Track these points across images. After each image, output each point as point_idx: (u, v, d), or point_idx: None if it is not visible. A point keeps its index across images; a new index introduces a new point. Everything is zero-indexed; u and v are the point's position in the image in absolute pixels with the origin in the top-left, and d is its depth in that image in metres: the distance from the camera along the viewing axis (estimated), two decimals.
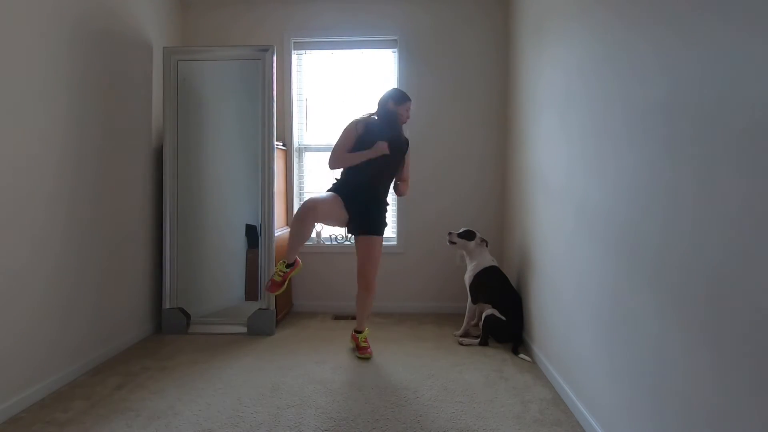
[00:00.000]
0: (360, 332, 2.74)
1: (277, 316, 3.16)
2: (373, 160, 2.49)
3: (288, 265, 2.53)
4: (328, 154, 2.58)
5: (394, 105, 2.56)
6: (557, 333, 2.29)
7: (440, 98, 3.54)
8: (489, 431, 1.88)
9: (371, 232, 2.61)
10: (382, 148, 2.46)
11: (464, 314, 3.05)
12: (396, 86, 3.53)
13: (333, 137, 2.70)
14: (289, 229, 2.55)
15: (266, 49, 3.06)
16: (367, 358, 2.62)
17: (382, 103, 2.60)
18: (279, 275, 2.52)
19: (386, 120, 2.58)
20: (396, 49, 3.55)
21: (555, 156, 2.36)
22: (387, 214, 2.71)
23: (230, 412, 2.02)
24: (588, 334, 1.91)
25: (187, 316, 3.11)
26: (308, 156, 3.71)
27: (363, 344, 2.70)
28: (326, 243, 3.64)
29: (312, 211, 2.40)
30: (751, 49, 1.03)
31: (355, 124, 2.55)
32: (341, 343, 2.89)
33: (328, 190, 2.62)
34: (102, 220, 2.58)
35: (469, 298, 3.00)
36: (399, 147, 2.61)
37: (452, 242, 3.06)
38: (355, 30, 3.53)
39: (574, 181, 2.08)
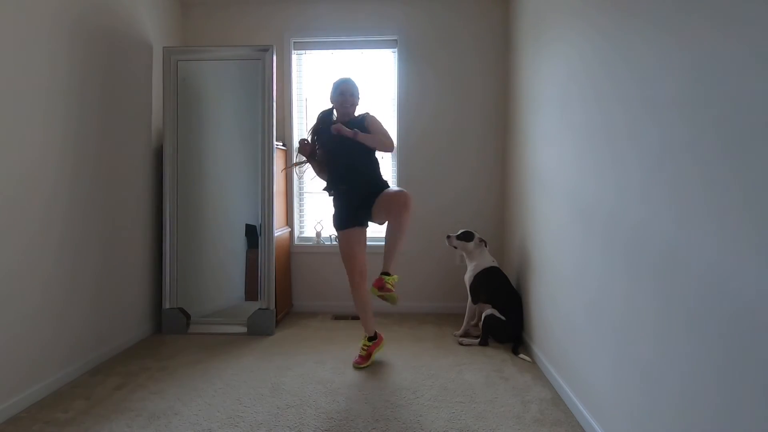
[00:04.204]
0: (390, 275, 2.35)
1: (277, 316, 3.16)
2: (332, 157, 2.52)
3: (370, 339, 2.60)
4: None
5: (339, 95, 2.60)
6: (557, 333, 2.29)
7: (440, 98, 3.54)
8: (489, 431, 1.88)
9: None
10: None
11: (464, 314, 3.05)
12: (398, 84, 3.55)
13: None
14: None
15: (266, 49, 3.06)
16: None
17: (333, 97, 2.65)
18: (363, 350, 2.57)
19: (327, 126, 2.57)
20: (396, 49, 3.55)
21: (554, 155, 2.36)
22: (378, 172, 2.53)
23: (230, 412, 2.02)
24: (588, 334, 1.91)
25: (187, 316, 3.11)
26: None
27: (389, 285, 2.31)
28: (326, 243, 3.64)
29: (351, 265, 2.47)
30: None
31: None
32: (341, 343, 2.89)
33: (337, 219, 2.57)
34: (101, 219, 2.58)
35: (470, 298, 3.00)
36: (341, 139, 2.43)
37: (453, 246, 3.06)
38: (355, 30, 3.53)
39: (574, 181, 2.08)
